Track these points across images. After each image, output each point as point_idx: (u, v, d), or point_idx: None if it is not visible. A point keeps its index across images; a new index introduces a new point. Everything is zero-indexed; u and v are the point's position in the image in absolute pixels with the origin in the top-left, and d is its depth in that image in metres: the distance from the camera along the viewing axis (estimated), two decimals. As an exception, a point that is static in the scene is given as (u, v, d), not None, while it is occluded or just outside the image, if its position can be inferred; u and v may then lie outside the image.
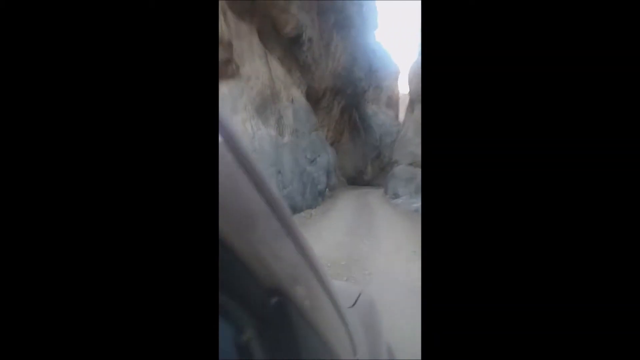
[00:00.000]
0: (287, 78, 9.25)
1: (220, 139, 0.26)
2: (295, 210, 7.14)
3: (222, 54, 6.30)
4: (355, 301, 0.83)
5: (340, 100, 14.53)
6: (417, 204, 9.28)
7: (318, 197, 8.88)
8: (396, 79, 26.39)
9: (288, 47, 9.03)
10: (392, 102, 26.07)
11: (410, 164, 13.26)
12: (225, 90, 6.60)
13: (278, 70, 8.68)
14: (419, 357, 0.40)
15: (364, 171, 21.03)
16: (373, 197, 12.62)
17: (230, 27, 6.59)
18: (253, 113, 7.00)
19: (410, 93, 13.53)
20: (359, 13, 13.50)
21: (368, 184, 21.27)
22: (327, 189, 9.88)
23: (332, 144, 15.57)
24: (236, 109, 6.84)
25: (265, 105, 7.43)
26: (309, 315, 0.37)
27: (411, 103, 13.80)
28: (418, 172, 12.60)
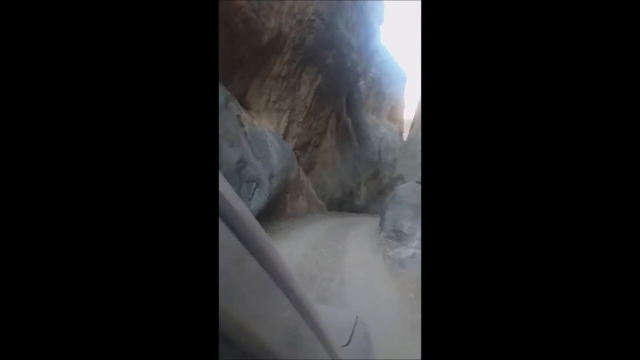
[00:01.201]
0: None
1: None
2: None
3: None
4: (350, 338, 0.71)
5: (315, 75, 9.10)
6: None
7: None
8: (402, 88, 21.39)
9: None
10: (395, 115, 20.88)
11: (426, 180, 7.83)
12: None
13: None
14: None
15: (355, 193, 15.36)
16: (358, 236, 6.90)
17: None
18: None
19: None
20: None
21: (361, 210, 15.74)
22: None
23: (300, 148, 10.03)
24: None
25: None
26: None
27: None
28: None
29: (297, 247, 4.88)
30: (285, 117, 8.59)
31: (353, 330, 0.74)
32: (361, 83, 16.30)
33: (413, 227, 6.54)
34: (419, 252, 4.86)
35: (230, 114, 5.68)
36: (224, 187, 0.25)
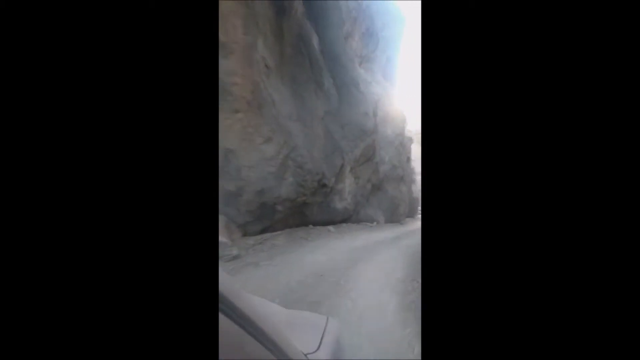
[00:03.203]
0: None
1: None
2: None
3: None
4: (320, 342, 0.72)
5: None
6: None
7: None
8: (400, 34, 14.02)
9: None
10: (391, 72, 13.32)
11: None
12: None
13: None
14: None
15: (331, 186, 7.59)
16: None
17: None
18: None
19: None
20: None
21: (344, 219, 8.17)
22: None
23: None
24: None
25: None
26: None
27: None
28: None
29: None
30: None
31: (323, 334, 0.74)
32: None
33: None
34: None
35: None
36: None
